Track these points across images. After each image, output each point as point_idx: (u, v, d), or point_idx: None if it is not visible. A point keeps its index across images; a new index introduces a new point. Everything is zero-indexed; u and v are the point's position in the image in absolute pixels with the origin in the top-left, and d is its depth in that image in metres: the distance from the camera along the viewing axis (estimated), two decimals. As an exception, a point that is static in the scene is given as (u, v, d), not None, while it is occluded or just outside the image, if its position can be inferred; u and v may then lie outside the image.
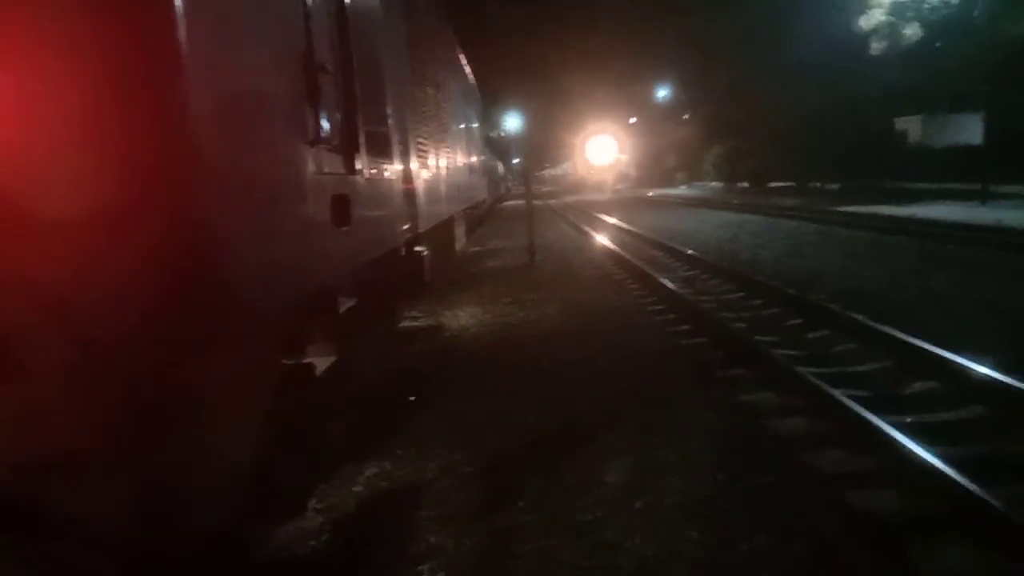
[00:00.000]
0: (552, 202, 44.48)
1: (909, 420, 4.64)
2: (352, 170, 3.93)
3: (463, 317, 8.92)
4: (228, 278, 2.28)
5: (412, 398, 5.55)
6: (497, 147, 39.62)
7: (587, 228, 20.96)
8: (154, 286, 2.05)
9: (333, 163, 3.57)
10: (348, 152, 3.87)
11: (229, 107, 2.34)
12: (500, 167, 42.11)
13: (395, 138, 5.52)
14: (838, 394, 4.85)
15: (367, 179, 4.29)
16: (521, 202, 20.29)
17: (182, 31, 2.06)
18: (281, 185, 2.83)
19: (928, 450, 3.84)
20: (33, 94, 1.95)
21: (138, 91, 1.99)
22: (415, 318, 8.99)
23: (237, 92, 2.42)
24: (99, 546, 2.07)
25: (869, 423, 4.35)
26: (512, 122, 25.56)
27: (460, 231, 14.29)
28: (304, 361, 3.43)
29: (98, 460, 2.04)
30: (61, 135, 1.96)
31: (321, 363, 3.57)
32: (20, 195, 1.93)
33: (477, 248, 17.36)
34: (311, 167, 3.12)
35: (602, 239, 17.26)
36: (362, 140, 4.14)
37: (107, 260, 1.99)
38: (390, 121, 5.32)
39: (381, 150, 4.87)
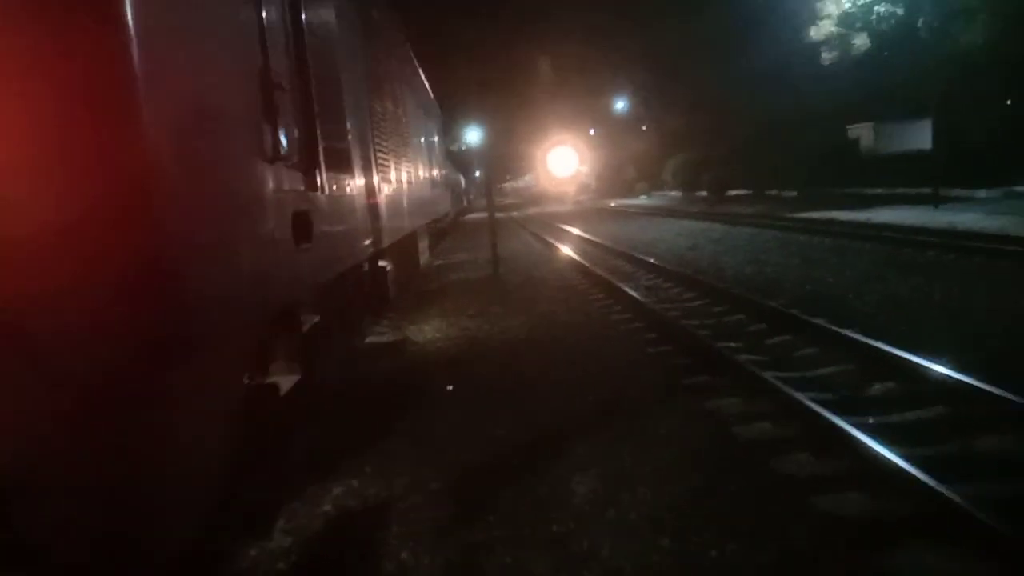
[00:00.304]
0: (515, 214, 44.61)
1: (871, 421, 4.71)
2: (313, 187, 3.90)
3: (428, 331, 8.87)
4: (187, 295, 2.24)
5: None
6: (459, 161, 39.67)
7: (550, 239, 21.03)
8: (111, 304, 2.02)
9: (293, 180, 3.54)
10: (308, 169, 3.84)
11: (185, 124, 2.31)
12: (462, 180, 42.14)
13: (356, 153, 5.49)
14: (802, 397, 4.92)
15: (328, 195, 4.25)
16: (483, 215, 20.28)
17: (137, 49, 2.03)
18: (240, 202, 2.80)
19: (892, 451, 3.91)
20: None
21: (93, 109, 1.96)
22: (380, 333, 8.92)
23: (194, 109, 2.39)
24: (61, 566, 2.02)
25: (833, 425, 4.41)
26: (473, 135, 25.58)
27: (423, 245, 14.25)
28: (267, 381, 3.38)
29: (59, 477, 1.99)
30: (13, 151, 1.91)
31: (285, 382, 3.52)
32: None
33: (441, 261, 17.32)
34: (270, 184, 3.09)
35: (565, 250, 17.33)
36: (322, 156, 4.11)
37: (64, 279, 1.96)
38: (350, 137, 5.30)
39: (341, 166, 4.84)
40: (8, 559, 2.00)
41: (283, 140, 3.25)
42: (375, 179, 6.68)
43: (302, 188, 3.72)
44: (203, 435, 2.58)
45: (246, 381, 3.17)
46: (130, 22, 2.00)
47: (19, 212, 1.91)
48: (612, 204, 48.95)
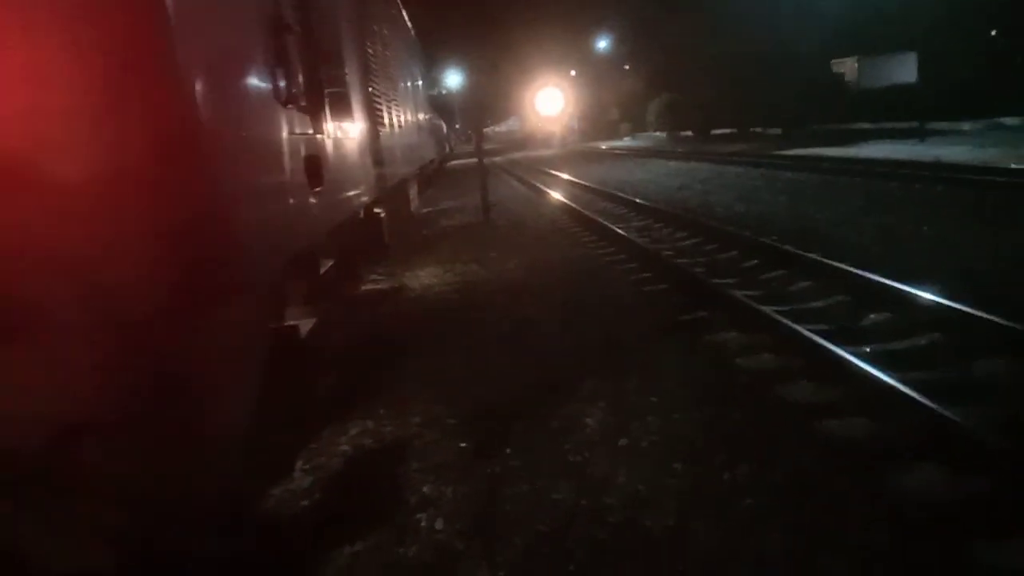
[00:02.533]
0: (497, 159, 44.20)
1: (868, 349, 4.84)
2: (320, 130, 3.90)
3: (424, 277, 8.93)
4: (224, 237, 2.28)
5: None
6: (441, 106, 39.13)
7: (537, 184, 20.97)
8: (155, 256, 2.05)
9: (303, 123, 3.55)
10: (315, 113, 3.84)
11: (218, 72, 2.32)
12: (444, 126, 41.64)
13: (353, 98, 5.47)
14: (801, 328, 5.04)
15: (333, 140, 4.26)
16: (466, 161, 20.16)
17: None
18: (265, 145, 2.82)
19: (892, 376, 4.04)
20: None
21: (128, 55, 1.97)
22: (376, 280, 8.97)
23: (220, 53, 2.40)
24: (117, 508, 2.10)
25: (832, 353, 4.54)
26: (454, 80, 25.18)
27: (413, 192, 14.20)
28: (288, 324, 3.45)
29: (111, 426, 2.05)
30: (48, 100, 1.93)
31: (304, 325, 3.58)
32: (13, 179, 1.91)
33: (430, 208, 17.27)
34: (286, 127, 3.11)
35: (553, 193, 17.30)
36: (326, 101, 4.11)
37: (97, 227, 1.99)
38: (347, 80, 5.27)
39: (341, 111, 4.83)
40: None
41: (294, 83, 3.26)
42: (370, 125, 6.66)
43: (311, 132, 3.73)
44: (235, 378, 2.64)
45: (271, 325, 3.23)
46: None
47: (38, 160, 1.92)
48: (599, 147, 48.62)
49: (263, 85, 2.86)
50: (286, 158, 3.06)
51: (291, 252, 3.16)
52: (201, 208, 2.12)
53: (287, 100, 3.12)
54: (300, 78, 3.49)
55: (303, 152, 3.41)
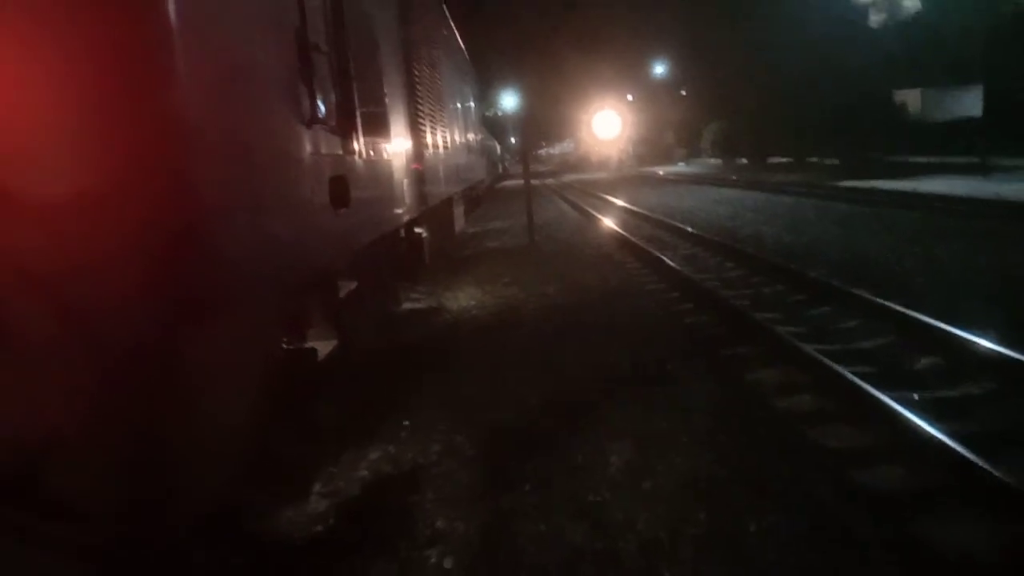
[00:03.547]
0: (550, 181, 44.30)
1: (916, 397, 4.60)
2: (350, 151, 3.87)
3: (463, 299, 8.87)
4: (223, 259, 2.23)
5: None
6: (494, 126, 39.41)
7: (586, 207, 20.88)
8: (154, 266, 2.02)
9: (330, 144, 3.51)
10: (345, 132, 3.81)
11: (221, 86, 2.28)
12: (497, 147, 41.90)
13: (392, 118, 5.45)
14: (842, 370, 4.82)
15: (365, 160, 4.23)
16: (519, 182, 20.17)
17: (174, 8, 2.00)
18: (277, 166, 2.78)
19: (938, 428, 3.81)
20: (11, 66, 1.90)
21: (127, 70, 1.94)
22: (416, 300, 8.94)
23: (229, 71, 2.36)
24: (93, 525, 2.04)
25: (875, 399, 4.32)
26: (508, 101, 25.19)
27: (459, 212, 14.22)
28: (306, 346, 3.39)
29: (92, 439, 2.01)
30: (49, 114, 1.91)
31: (323, 347, 3.53)
32: (14, 180, 1.88)
33: (476, 229, 17.28)
34: (308, 148, 3.06)
35: (601, 218, 17.16)
36: (359, 120, 4.07)
37: (106, 241, 1.96)
38: (387, 100, 5.25)
39: (378, 130, 4.81)
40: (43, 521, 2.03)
41: (320, 103, 3.22)
42: (411, 144, 6.65)
43: (340, 152, 3.70)
44: (236, 398, 2.59)
45: (284, 346, 3.18)
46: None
47: (52, 176, 1.90)
48: (652, 171, 48.32)
49: (280, 105, 2.82)
50: (306, 179, 3.02)
51: (308, 273, 3.11)
52: (192, 229, 2.07)
53: (311, 120, 3.09)
54: (329, 98, 3.46)
55: (328, 173, 3.37)
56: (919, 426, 3.87)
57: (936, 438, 3.71)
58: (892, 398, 4.28)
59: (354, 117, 3.98)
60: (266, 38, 2.74)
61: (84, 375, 1.99)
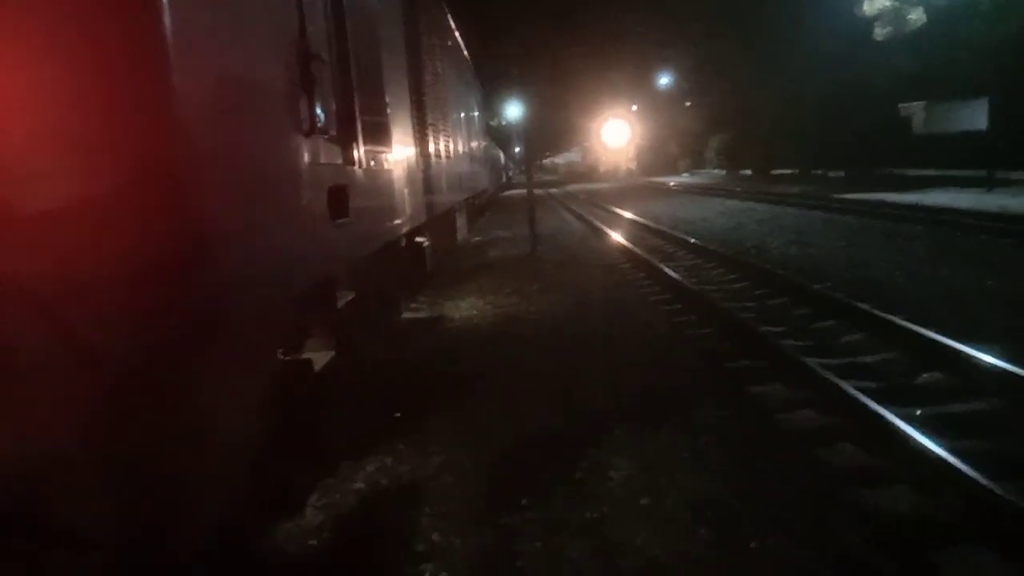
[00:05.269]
0: (553, 191, 44.32)
1: (919, 412, 4.55)
2: (350, 160, 3.84)
3: (464, 308, 8.83)
4: (222, 272, 2.20)
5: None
6: (498, 136, 39.46)
7: (589, 217, 20.83)
8: (148, 280, 1.98)
9: (330, 153, 3.48)
10: (346, 142, 3.78)
11: (220, 97, 2.25)
12: (501, 156, 41.94)
13: (394, 127, 5.42)
14: (847, 386, 4.77)
15: (365, 169, 4.20)
16: (523, 191, 20.15)
17: (169, 18, 1.97)
18: (275, 176, 2.75)
19: (939, 444, 3.76)
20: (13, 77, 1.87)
21: (126, 81, 1.91)
22: (416, 309, 8.91)
23: (226, 80, 2.33)
24: (95, 546, 2.00)
25: (878, 416, 4.26)
26: (513, 110, 25.15)
27: (461, 221, 14.20)
28: (302, 357, 3.36)
29: (93, 458, 1.97)
30: (44, 126, 1.88)
31: (320, 359, 3.49)
32: (9, 191, 1.85)
33: (479, 238, 17.25)
34: (307, 158, 3.03)
35: (605, 229, 17.08)
36: (360, 129, 4.05)
37: (100, 255, 1.93)
38: (388, 110, 5.23)
39: (380, 139, 4.78)
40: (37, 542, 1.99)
41: (320, 113, 3.19)
42: (414, 153, 6.62)
43: (340, 162, 3.67)
44: (234, 411, 2.55)
45: (281, 357, 3.14)
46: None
47: (45, 189, 1.87)
48: (656, 181, 48.29)
49: (278, 114, 2.79)
50: (302, 189, 2.98)
51: (303, 284, 3.08)
52: (188, 240, 2.04)
53: (310, 130, 3.06)
54: (330, 108, 3.43)
55: (327, 182, 3.34)
56: (922, 443, 3.82)
57: (942, 458, 3.66)
58: (896, 414, 4.23)
59: (355, 126, 3.95)
60: (266, 48, 2.71)
61: (76, 394, 1.95)
